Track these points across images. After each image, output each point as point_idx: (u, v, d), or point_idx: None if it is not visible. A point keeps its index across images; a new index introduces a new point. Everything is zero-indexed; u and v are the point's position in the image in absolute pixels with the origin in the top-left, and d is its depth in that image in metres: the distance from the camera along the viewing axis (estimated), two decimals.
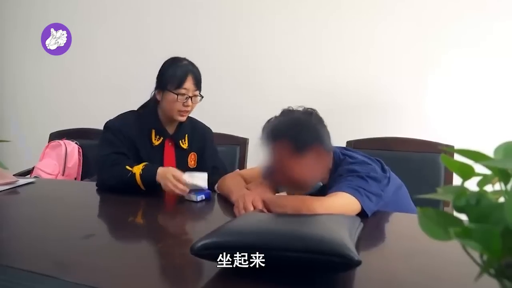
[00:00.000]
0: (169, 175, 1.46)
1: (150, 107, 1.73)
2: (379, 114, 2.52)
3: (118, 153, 1.60)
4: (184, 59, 1.69)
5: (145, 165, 1.55)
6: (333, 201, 1.18)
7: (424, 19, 2.48)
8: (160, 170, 1.52)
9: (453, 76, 2.47)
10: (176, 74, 1.62)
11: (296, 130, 1.31)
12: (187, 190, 1.46)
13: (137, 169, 1.54)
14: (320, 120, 1.37)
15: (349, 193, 1.19)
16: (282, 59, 2.75)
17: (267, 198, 1.29)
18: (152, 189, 1.51)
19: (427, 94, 2.51)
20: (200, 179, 1.47)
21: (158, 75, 1.69)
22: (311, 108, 1.38)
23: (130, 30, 3.10)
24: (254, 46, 2.81)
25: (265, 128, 1.38)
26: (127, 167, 1.55)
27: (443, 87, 2.49)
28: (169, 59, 1.70)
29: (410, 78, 2.53)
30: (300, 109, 1.37)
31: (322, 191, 1.32)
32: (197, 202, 1.45)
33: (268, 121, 1.39)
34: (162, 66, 1.70)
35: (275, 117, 1.39)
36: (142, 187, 1.52)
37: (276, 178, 1.36)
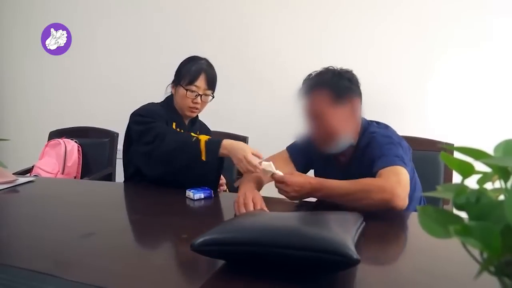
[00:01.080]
0: (249, 153, 1.41)
1: (168, 101, 1.78)
2: (378, 113, 2.49)
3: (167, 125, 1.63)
4: (203, 59, 1.74)
5: (209, 137, 1.56)
6: (404, 179, 1.21)
7: (423, 19, 2.49)
8: (228, 142, 1.49)
9: (452, 75, 2.47)
10: (190, 70, 1.68)
11: (336, 80, 1.41)
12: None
13: (203, 137, 1.54)
14: (357, 79, 1.46)
15: (402, 166, 1.25)
16: (282, 59, 2.75)
17: (324, 183, 1.26)
18: (212, 161, 1.48)
19: (427, 92, 2.52)
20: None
21: (176, 71, 1.75)
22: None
23: (130, 30, 3.10)
24: (255, 46, 2.81)
25: (305, 80, 1.48)
26: (192, 133, 1.59)
27: (443, 86, 2.49)
28: (189, 57, 1.76)
29: (409, 76, 2.53)
30: (338, 68, 1.47)
31: (347, 152, 1.43)
32: (194, 200, 1.45)
33: (309, 75, 1.48)
34: (181, 62, 1.75)
35: (315, 71, 1.48)
36: (203, 155, 1.48)
37: (310, 130, 1.42)
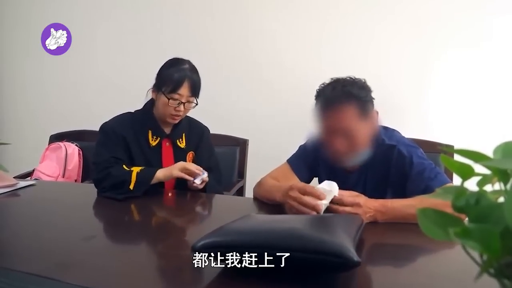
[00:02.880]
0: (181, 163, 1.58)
1: (146, 107, 1.72)
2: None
3: (113, 157, 1.60)
4: (186, 62, 1.65)
5: (144, 168, 1.58)
6: None
7: (424, 19, 2.49)
8: (162, 169, 1.57)
9: (452, 76, 2.47)
10: (172, 78, 1.59)
11: (364, 94, 1.34)
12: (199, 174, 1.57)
13: (136, 168, 1.55)
14: (371, 89, 1.40)
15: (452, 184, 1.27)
16: (283, 61, 2.76)
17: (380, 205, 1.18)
18: (140, 191, 1.51)
19: (427, 93, 2.52)
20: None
21: (157, 74, 1.67)
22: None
23: (130, 30, 3.10)
24: (255, 46, 2.82)
25: (324, 92, 1.37)
26: (124, 166, 1.57)
27: (443, 87, 2.49)
28: (171, 59, 1.67)
29: (410, 77, 2.54)
30: (354, 77, 1.39)
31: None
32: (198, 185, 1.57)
33: (323, 87, 1.39)
34: (162, 65, 1.67)
35: (329, 83, 1.39)
36: (132, 184, 1.50)
37: (332, 144, 1.34)
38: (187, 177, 1.55)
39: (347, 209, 1.17)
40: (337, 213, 1.16)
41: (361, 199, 1.19)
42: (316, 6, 2.68)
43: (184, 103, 1.61)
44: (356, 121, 1.32)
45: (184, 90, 1.60)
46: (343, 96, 1.32)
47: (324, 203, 1.16)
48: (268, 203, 1.45)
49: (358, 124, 1.32)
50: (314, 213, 1.15)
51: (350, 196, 1.19)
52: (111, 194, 1.50)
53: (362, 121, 1.33)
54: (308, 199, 1.16)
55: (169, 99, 1.59)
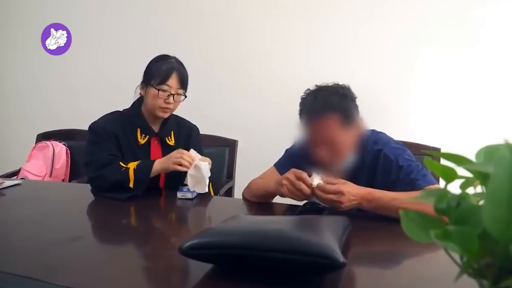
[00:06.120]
0: (173, 153, 1.53)
1: (135, 106, 1.73)
2: (363, 115, 2.55)
3: (109, 155, 1.59)
4: (173, 57, 1.69)
5: (140, 162, 1.56)
6: None
7: (410, 20, 2.52)
8: (158, 160, 1.56)
9: (437, 77, 2.51)
10: (161, 70, 1.63)
11: (345, 103, 1.34)
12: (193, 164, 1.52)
13: (132, 164, 1.54)
14: (355, 95, 1.39)
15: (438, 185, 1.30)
16: (272, 62, 2.77)
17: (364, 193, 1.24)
18: (141, 188, 1.50)
19: (412, 95, 2.55)
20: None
21: (144, 70, 1.70)
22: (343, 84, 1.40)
23: (130, 30, 3.09)
24: (245, 49, 2.82)
25: (307, 101, 1.38)
26: (121, 163, 1.55)
27: (428, 89, 2.52)
28: (158, 55, 1.71)
29: (394, 79, 2.56)
30: (331, 84, 1.38)
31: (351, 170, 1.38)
32: (192, 199, 1.50)
33: (306, 96, 1.39)
34: (149, 62, 1.70)
35: (311, 92, 1.39)
36: (132, 183, 1.49)
37: (317, 154, 1.35)
38: (181, 169, 1.52)
39: (330, 196, 1.23)
40: (322, 203, 1.28)
41: (346, 187, 1.23)
42: (304, 10, 2.70)
43: (173, 95, 1.63)
44: (339, 131, 1.32)
45: (173, 82, 1.63)
46: (324, 108, 1.32)
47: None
48: (258, 203, 1.46)
49: (341, 134, 1.32)
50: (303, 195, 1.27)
51: (334, 182, 1.25)
52: (113, 195, 1.49)
53: (345, 130, 1.33)
54: (301, 184, 1.26)
55: (158, 90, 1.61)
